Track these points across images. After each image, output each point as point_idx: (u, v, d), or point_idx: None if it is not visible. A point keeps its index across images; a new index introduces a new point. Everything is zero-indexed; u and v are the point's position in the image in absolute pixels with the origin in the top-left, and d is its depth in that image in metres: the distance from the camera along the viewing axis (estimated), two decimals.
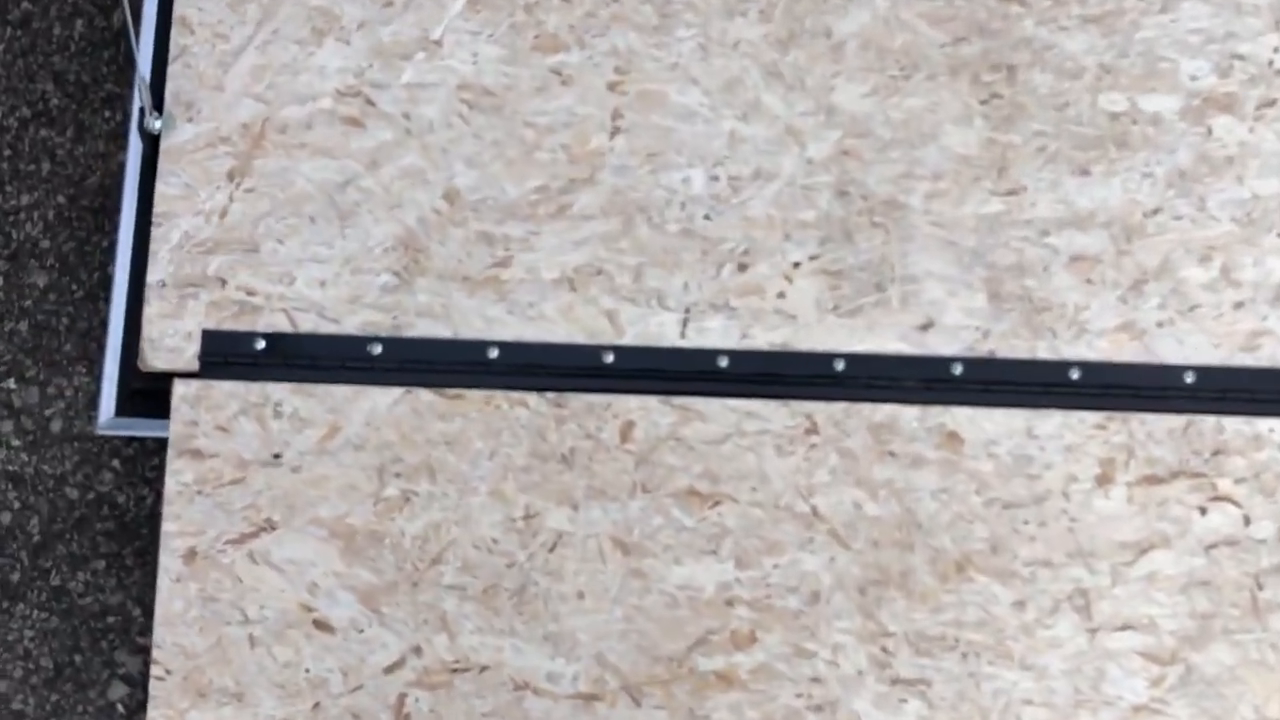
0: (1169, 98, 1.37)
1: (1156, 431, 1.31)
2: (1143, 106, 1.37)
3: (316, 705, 1.28)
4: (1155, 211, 1.35)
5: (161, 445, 1.38)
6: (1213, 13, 1.39)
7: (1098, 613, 1.29)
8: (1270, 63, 1.37)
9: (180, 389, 1.33)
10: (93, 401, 1.43)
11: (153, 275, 1.35)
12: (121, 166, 1.51)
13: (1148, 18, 1.39)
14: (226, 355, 1.34)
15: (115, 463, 1.40)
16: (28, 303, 1.45)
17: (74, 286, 1.46)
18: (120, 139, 1.51)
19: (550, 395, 1.32)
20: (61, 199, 1.48)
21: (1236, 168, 1.36)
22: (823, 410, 1.32)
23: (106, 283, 1.46)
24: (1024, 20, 1.39)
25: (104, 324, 1.43)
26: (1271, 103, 1.37)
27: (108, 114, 1.52)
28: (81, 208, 1.49)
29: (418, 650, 1.29)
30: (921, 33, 1.39)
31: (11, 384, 1.43)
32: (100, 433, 1.33)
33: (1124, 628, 1.29)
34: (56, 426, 1.41)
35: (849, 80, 1.38)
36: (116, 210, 1.47)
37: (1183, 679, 1.28)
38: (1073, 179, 1.36)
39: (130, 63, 1.49)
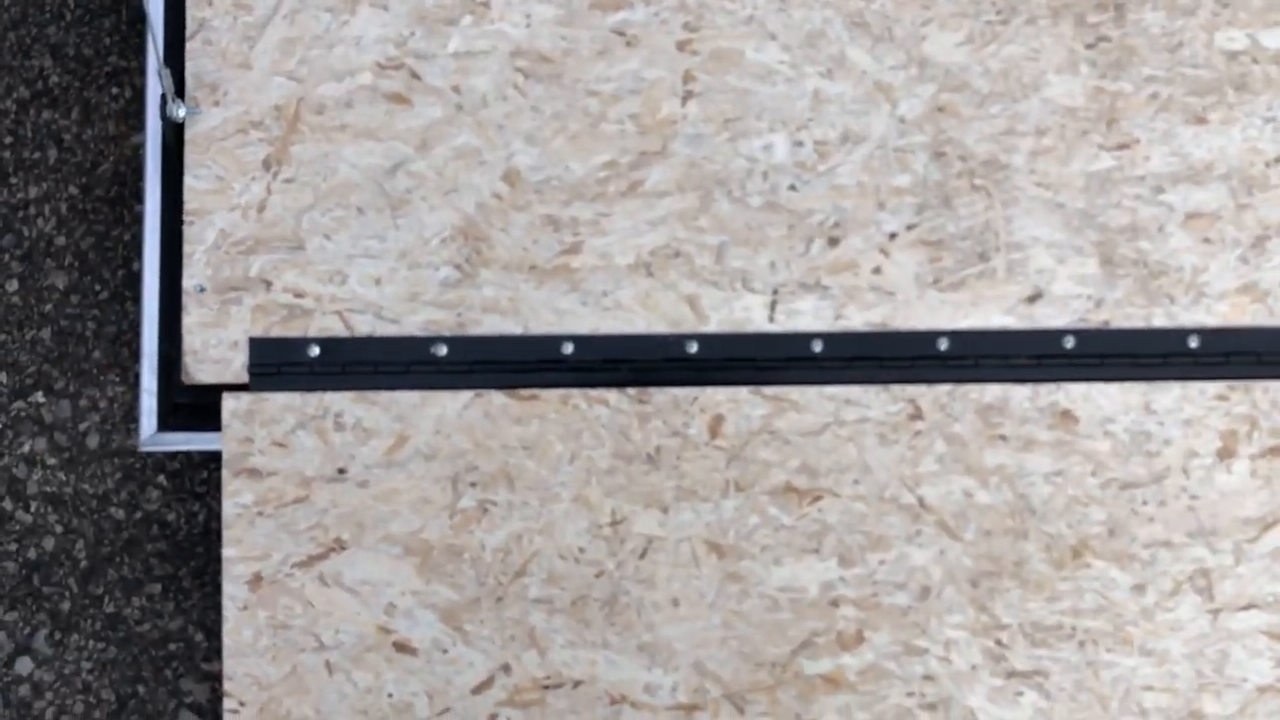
0: None
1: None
2: (1265, 44, 1.24)
3: None
4: (1278, 161, 1.25)
5: (210, 457, 1.28)
6: None
7: (1220, 593, 1.22)
8: None
9: (230, 403, 1.22)
10: (130, 413, 1.31)
11: (189, 280, 1.23)
12: (136, 150, 1.38)
13: None
14: (278, 364, 1.22)
15: (161, 478, 1.30)
16: (48, 307, 1.33)
17: (97, 287, 1.34)
18: (131, 118, 1.37)
19: (632, 391, 1.22)
20: (74, 189, 1.35)
21: None
22: (927, 394, 1.22)
23: (132, 281, 1.33)
24: None
25: (134, 328, 1.32)
26: None
27: (115, 90, 1.38)
28: (97, 199, 1.35)
29: (506, 668, 1.21)
30: None
31: (40, 397, 1.31)
32: (144, 449, 1.23)
33: (1248, 607, 1.22)
34: (93, 442, 1.30)
35: (941, 28, 1.25)
36: (136, 200, 1.35)
37: None
38: (1188, 128, 1.24)
39: (139, 34, 1.36)
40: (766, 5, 1.25)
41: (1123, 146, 1.24)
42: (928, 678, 1.21)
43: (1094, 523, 1.22)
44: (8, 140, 1.36)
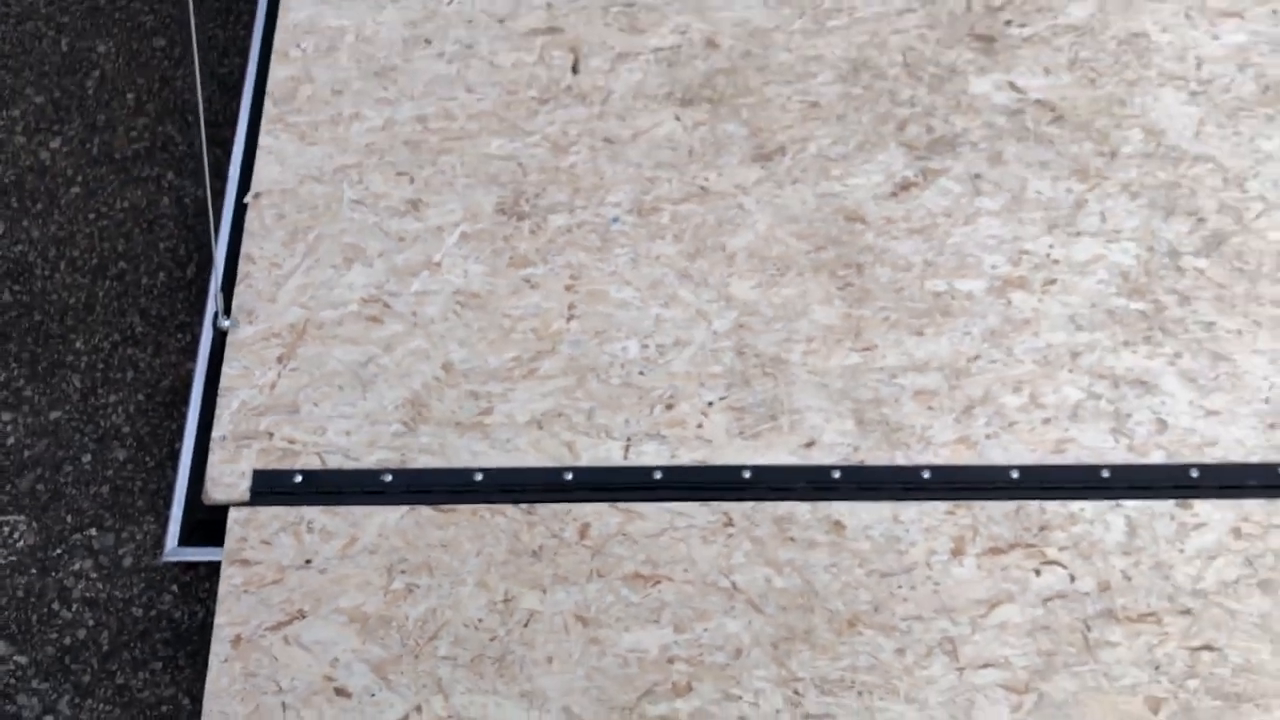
0: (977, 281, 1.84)
1: (994, 515, 1.66)
2: (959, 287, 1.83)
3: None
4: (975, 358, 1.78)
5: (214, 569, 1.69)
6: (1002, 223, 1.88)
7: (963, 655, 1.58)
8: (1048, 255, 1.86)
9: (235, 514, 1.67)
10: (158, 542, 1.75)
11: (217, 432, 1.72)
12: (189, 374, 1.92)
13: (956, 228, 1.88)
14: (271, 488, 1.69)
15: (174, 587, 1.71)
16: (109, 471, 1.81)
17: (147, 459, 1.83)
18: (189, 353, 1.93)
19: (523, 506, 1.67)
20: (141, 396, 1.88)
21: (1032, 326, 1.80)
22: (736, 508, 1.67)
23: (174, 456, 1.82)
24: (866, 234, 1.88)
25: (170, 486, 1.78)
26: (1052, 281, 1.83)
27: (180, 336, 1.95)
28: (156, 403, 1.88)
29: (419, 709, 1.55)
30: (791, 245, 1.87)
31: (93, 532, 1.76)
32: (166, 560, 1.66)
33: (985, 666, 1.58)
34: (128, 562, 1.73)
35: (740, 278, 1.84)
36: (184, 404, 1.86)
37: (1037, 704, 1.55)
38: (911, 338, 1.79)
39: (201, 301, 1.94)
40: (625, 264, 1.85)
41: (867, 349, 1.78)
42: (742, 718, 1.55)
43: (863, 601, 1.61)
44: (100, 366, 1.91)
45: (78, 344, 1.94)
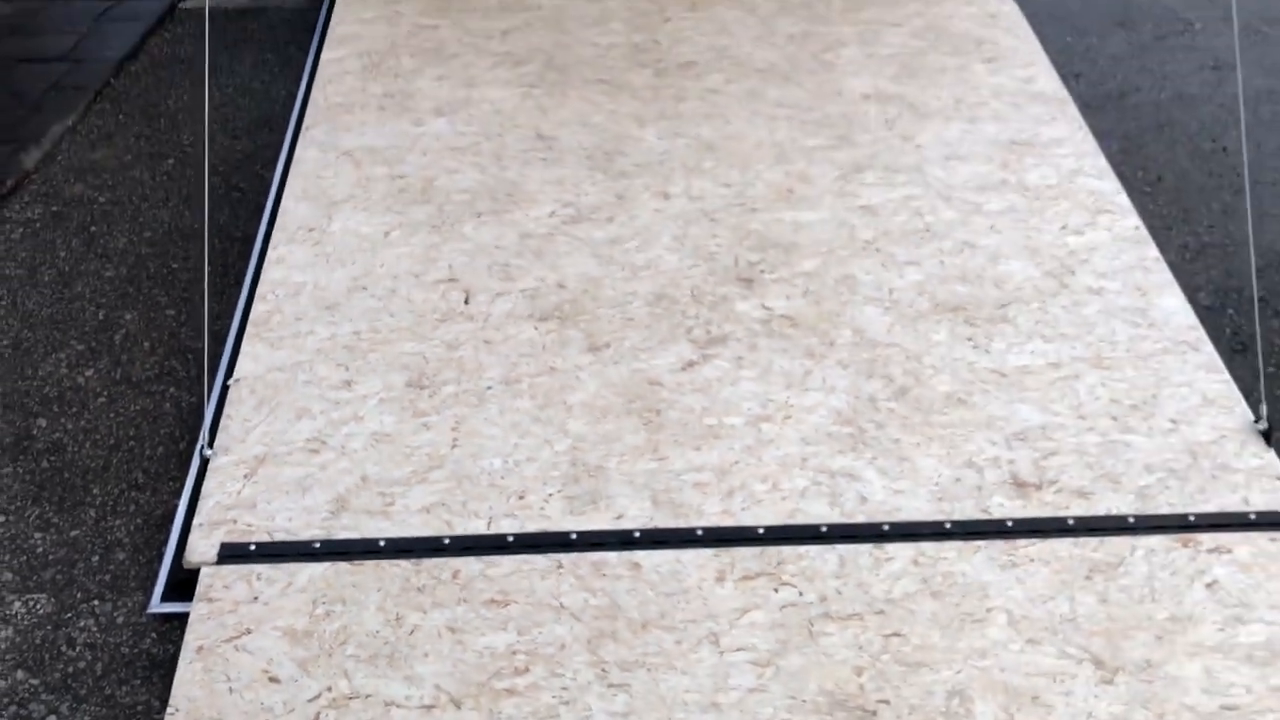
0: (738, 418, 2.59)
1: (746, 555, 2.30)
2: (725, 421, 2.58)
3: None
4: (735, 463, 2.49)
5: (183, 619, 2.27)
6: (755, 385, 2.66)
7: (723, 643, 2.16)
8: (786, 401, 2.62)
9: (206, 571, 2.27)
10: (144, 607, 2.34)
11: (197, 521, 2.36)
12: (175, 507, 2.57)
13: (724, 388, 2.65)
14: (233, 554, 2.31)
15: (153, 634, 2.28)
16: (111, 566, 2.42)
17: (140, 558, 2.45)
18: (177, 494, 2.60)
19: (413, 561, 2.30)
20: (139, 521, 2.53)
21: (775, 444, 2.53)
22: (565, 557, 2.29)
23: (161, 556, 2.45)
24: (662, 392, 2.64)
25: (154, 575, 2.40)
26: (788, 418, 2.58)
27: (171, 485, 2.63)
28: (151, 525, 2.52)
29: (329, 689, 2.10)
30: (611, 399, 2.62)
31: (95, 603, 2.34)
32: (151, 611, 2.26)
33: (739, 650, 2.16)
34: (120, 619, 2.30)
35: (575, 420, 2.58)
36: (170, 523, 2.50)
37: (775, 674, 2.13)
38: (692, 452, 2.51)
39: (186, 469, 2.63)
40: (494, 413, 2.58)
41: (662, 459, 2.49)
42: (564, 688, 2.10)
43: (652, 611, 2.21)
44: (110, 505, 2.57)
45: (94, 490, 2.60)
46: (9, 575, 2.41)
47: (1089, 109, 4.29)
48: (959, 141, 3.39)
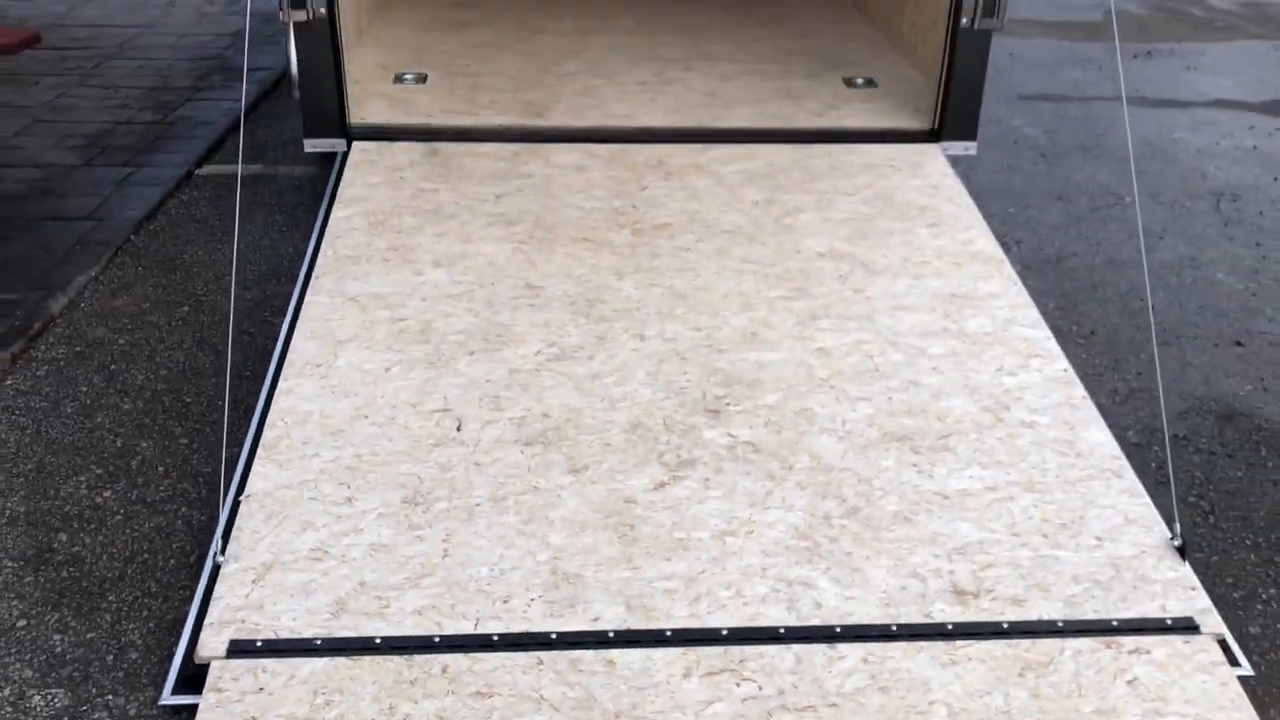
0: (704, 532, 2.82)
1: (711, 654, 2.50)
2: (693, 535, 2.82)
3: None
4: (702, 572, 2.71)
5: (191, 710, 2.46)
6: (720, 503, 2.91)
7: None
8: (749, 518, 2.86)
9: (216, 664, 2.45)
10: (154, 700, 2.51)
11: (208, 620, 2.55)
12: (186, 612, 2.77)
13: (692, 505, 2.89)
14: (241, 650, 2.49)
15: None
16: (125, 664, 2.60)
17: (152, 657, 2.63)
18: (189, 600, 2.80)
19: (405, 658, 2.49)
20: (151, 624, 2.72)
21: (738, 555, 2.76)
22: (545, 654, 2.50)
23: (172, 655, 2.63)
24: (636, 509, 2.88)
25: (165, 672, 2.58)
26: (751, 532, 2.82)
27: (182, 593, 2.83)
28: (163, 629, 2.72)
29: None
30: (589, 515, 2.85)
31: (109, 697, 2.51)
32: (163, 703, 2.43)
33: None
34: (132, 711, 2.47)
35: (557, 534, 2.81)
36: (181, 626, 2.70)
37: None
38: (662, 563, 2.74)
39: (196, 582, 2.84)
40: (482, 526, 2.81)
41: (635, 568, 2.71)
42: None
43: (625, 703, 2.40)
44: (124, 610, 2.76)
45: (110, 597, 2.80)
46: (29, 672, 2.58)
47: (1029, 270, 4.70)
48: (905, 294, 3.74)
